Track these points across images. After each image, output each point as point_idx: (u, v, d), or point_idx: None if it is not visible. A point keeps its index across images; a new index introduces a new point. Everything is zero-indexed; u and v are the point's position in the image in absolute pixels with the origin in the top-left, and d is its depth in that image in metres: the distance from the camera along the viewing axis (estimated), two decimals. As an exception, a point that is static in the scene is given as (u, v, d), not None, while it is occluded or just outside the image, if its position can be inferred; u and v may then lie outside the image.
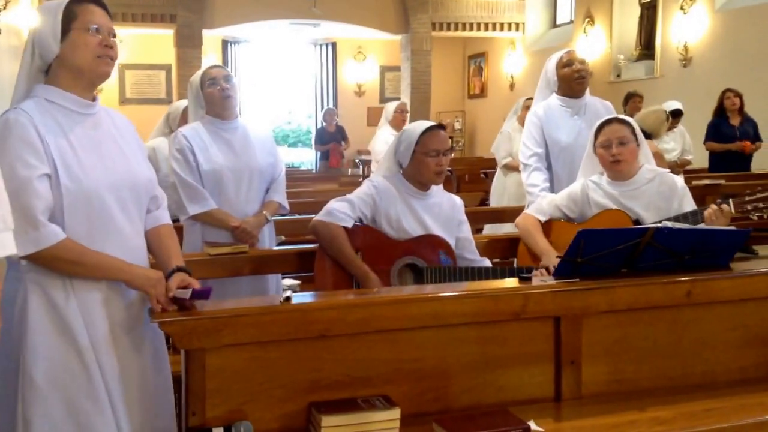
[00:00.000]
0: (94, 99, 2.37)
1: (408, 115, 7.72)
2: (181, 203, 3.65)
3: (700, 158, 8.39)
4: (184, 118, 4.73)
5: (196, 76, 3.81)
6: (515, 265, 3.55)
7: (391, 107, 7.70)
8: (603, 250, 2.51)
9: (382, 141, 7.24)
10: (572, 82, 4.10)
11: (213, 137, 3.73)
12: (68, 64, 2.27)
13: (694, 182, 6.42)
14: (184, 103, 4.83)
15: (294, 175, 9.89)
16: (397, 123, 7.48)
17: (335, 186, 7.90)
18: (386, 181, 3.28)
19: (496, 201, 7.06)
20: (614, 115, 3.69)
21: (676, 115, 7.40)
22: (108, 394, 2.25)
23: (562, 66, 4.13)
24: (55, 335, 2.22)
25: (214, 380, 2.18)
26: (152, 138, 5.10)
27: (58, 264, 2.20)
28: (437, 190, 3.35)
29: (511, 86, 14.86)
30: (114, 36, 2.34)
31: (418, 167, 3.23)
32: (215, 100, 3.73)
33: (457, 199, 3.43)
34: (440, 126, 3.33)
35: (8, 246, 1.26)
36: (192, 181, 3.64)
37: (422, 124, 3.30)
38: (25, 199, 2.12)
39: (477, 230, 5.76)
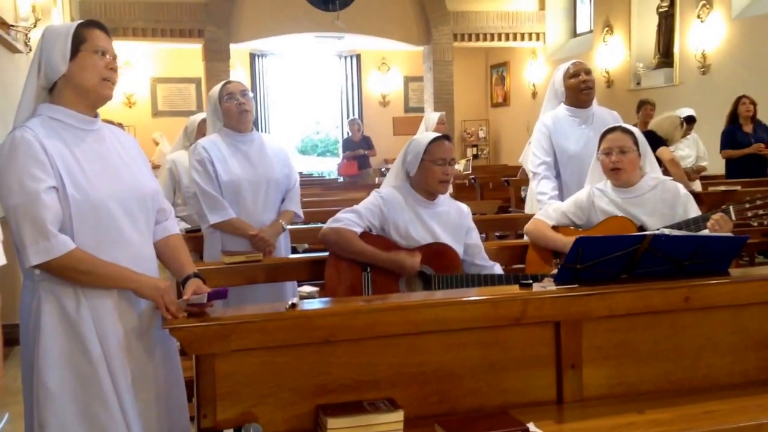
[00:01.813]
0: (95, 116, 2.47)
1: (445, 125, 7.61)
2: (202, 213, 3.79)
3: (718, 165, 8.39)
4: (200, 131, 4.93)
5: (215, 91, 3.95)
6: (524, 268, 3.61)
7: (433, 118, 7.58)
8: (601, 256, 2.57)
9: None
10: (579, 92, 4.17)
11: (231, 149, 3.86)
12: (74, 84, 2.38)
13: (711, 188, 6.44)
14: (199, 117, 5.02)
15: (313, 183, 10.02)
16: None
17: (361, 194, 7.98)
18: (394, 191, 3.36)
19: (529, 209, 7.16)
20: (622, 123, 3.76)
21: (690, 121, 7.42)
22: (119, 398, 2.34)
23: (568, 77, 4.21)
24: (66, 342, 2.32)
25: (224, 384, 2.26)
26: (173, 151, 5.25)
27: (69, 273, 2.29)
28: (444, 199, 3.42)
29: (534, 95, 14.90)
30: (116, 60, 2.45)
31: (425, 175, 3.31)
32: (232, 114, 3.86)
33: (464, 207, 3.50)
34: (446, 137, 3.42)
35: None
36: (212, 191, 3.78)
37: (429, 135, 3.39)
38: (35, 211, 2.22)
39: (500, 237, 5.82)
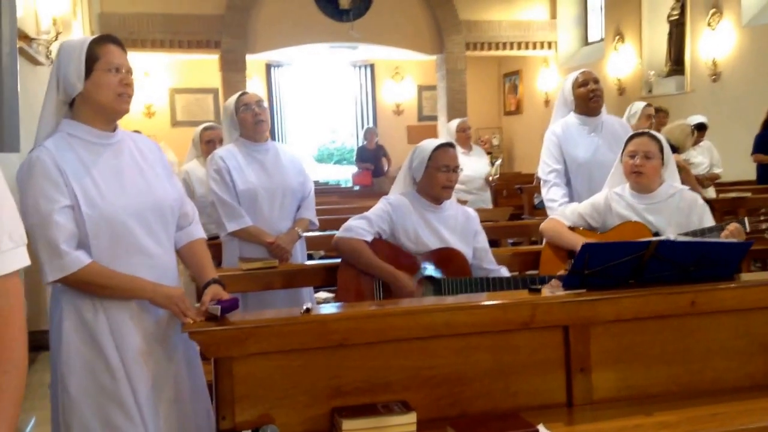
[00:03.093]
0: (113, 129, 2.54)
1: (470, 131, 7.65)
2: (220, 221, 3.88)
3: (733, 172, 8.40)
4: (202, 140, 5.18)
5: (231, 102, 4.04)
6: (538, 273, 3.66)
7: (452, 126, 7.55)
8: (608, 262, 2.62)
9: None
10: (587, 101, 4.23)
11: (247, 159, 3.95)
12: (91, 101, 2.46)
13: (722, 195, 6.48)
14: (201, 127, 5.31)
15: (330, 192, 10.09)
16: (462, 141, 7.35)
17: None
18: (401, 197, 3.43)
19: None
20: (631, 132, 3.81)
21: (701, 128, 7.46)
22: (138, 404, 2.42)
23: (577, 86, 4.27)
24: (86, 351, 2.41)
25: (241, 387, 2.33)
26: (186, 162, 5.37)
27: (86, 287, 2.39)
28: (451, 203, 3.49)
29: (546, 102, 14.94)
30: (131, 74, 2.52)
31: (430, 181, 3.38)
32: (248, 124, 3.96)
33: (471, 211, 3.57)
34: (450, 144, 3.49)
35: (22, 260, 1.43)
36: (229, 200, 3.87)
37: (434, 142, 3.47)
38: (49, 232, 2.32)
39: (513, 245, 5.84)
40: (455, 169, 3.40)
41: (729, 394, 2.65)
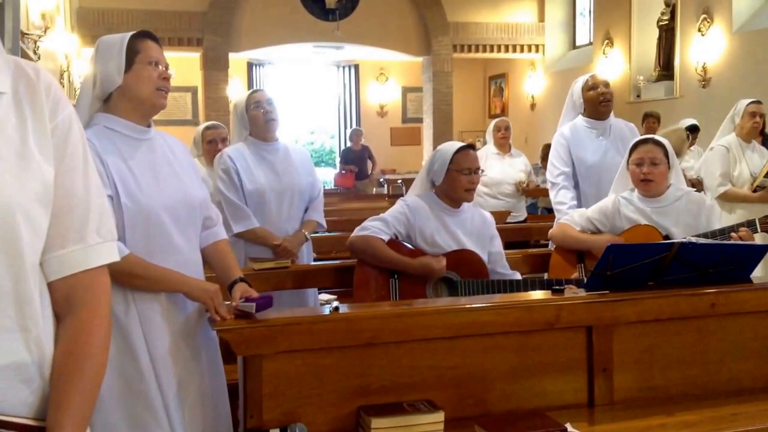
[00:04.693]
0: (149, 125, 2.55)
1: (509, 131, 7.19)
2: (226, 222, 3.82)
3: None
4: (204, 139, 5.15)
5: (241, 100, 4.00)
6: (546, 277, 3.69)
7: (491, 126, 7.26)
8: (631, 264, 2.65)
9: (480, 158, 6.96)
10: (597, 104, 4.27)
11: (256, 158, 3.92)
12: (129, 95, 2.45)
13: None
14: (202, 126, 5.29)
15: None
16: (499, 142, 7.09)
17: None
18: (418, 199, 3.44)
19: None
20: (639, 136, 3.85)
21: (693, 131, 7.51)
22: (164, 403, 2.39)
23: (587, 89, 4.31)
24: (115, 347, 2.33)
25: (270, 385, 2.33)
26: None
27: (122, 278, 2.33)
28: (468, 207, 3.50)
29: (532, 106, 15.01)
30: (169, 69, 2.53)
31: (452, 184, 3.39)
32: (259, 123, 3.92)
33: (488, 215, 3.58)
34: (471, 146, 3.51)
35: (109, 255, 1.42)
36: (236, 201, 3.83)
37: (455, 144, 3.48)
38: None
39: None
40: (476, 171, 3.42)
41: (746, 394, 2.69)
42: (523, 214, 7.10)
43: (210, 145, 5.05)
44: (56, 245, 1.34)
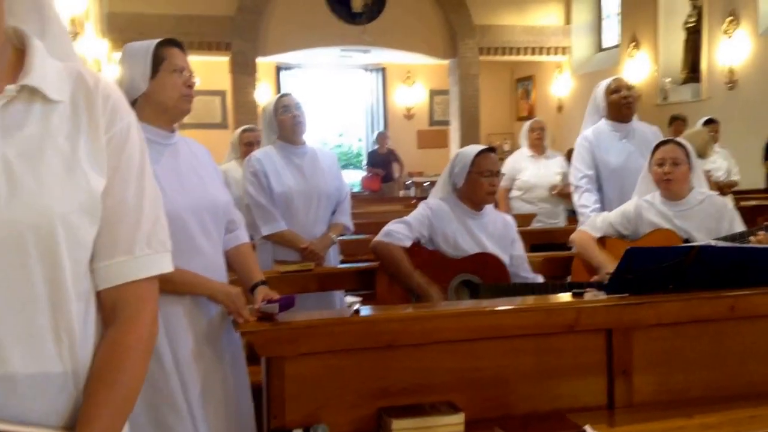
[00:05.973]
0: (173, 131, 2.61)
1: (544, 132, 6.69)
2: (254, 224, 3.89)
3: (751, 179, 8.42)
4: (241, 141, 5.31)
5: (270, 104, 4.07)
6: (568, 280, 3.70)
7: (525, 128, 6.83)
8: (651, 266, 2.66)
9: (514, 161, 6.71)
10: (621, 107, 4.27)
11: (284, 162, 3.98)
12: (154, 102, 2.51)
13: (743, 203, 6.49)
14: (240, 129, 5.45)
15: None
16: (533, 143, 6.63)
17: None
18: (441, 202, 3.47)
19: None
20: (662, 138, 3.85)
21: (710, 123, 7.37)
22: (188, 404, 2.43)
23: (610, 92, 4.31)
24: None
25: (292, 386, 2.36)
26: (225, 163, 5.44)
27: None
28: (489, 210, 3.52)
29: (559, 108, 14.95)
30: (193, 76, 2.58)
31: (473, 187, 3.42)
32: (287, 127, 3.99)
33: (509, 218, 3.61)
34: (491, 149, 3.54)
35: (160, 266, 1.41)
36: (265, 203, 3.89)
37: (476, 147, 3.51)
38: None
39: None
40: (497, 173, 3.44)
41: (764, 397, 2.68)
42: (561, 221, 6.46)
43: (248, 147, 5.16)
44: (105, 255, 1.33)
